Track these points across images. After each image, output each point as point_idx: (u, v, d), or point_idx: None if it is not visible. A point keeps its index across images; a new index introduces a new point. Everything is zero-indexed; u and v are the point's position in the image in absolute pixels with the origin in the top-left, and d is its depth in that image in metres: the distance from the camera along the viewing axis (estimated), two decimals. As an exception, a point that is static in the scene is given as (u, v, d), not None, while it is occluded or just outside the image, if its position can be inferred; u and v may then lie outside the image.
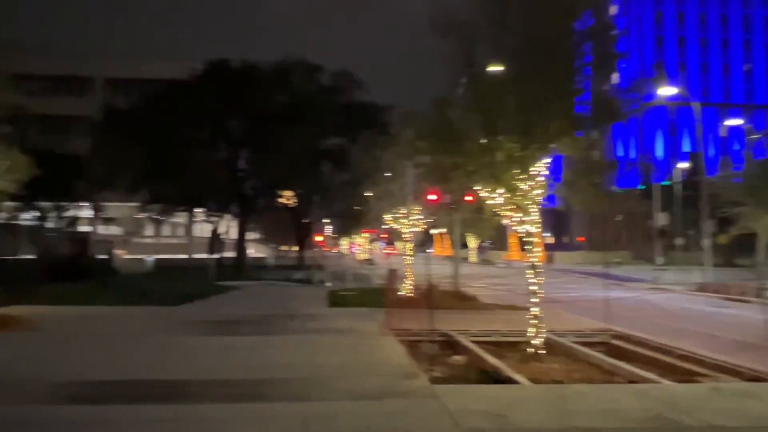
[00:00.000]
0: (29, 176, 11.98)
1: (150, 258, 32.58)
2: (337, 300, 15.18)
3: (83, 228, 40.00)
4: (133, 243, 50.29)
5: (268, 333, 9.41)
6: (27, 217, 37.28)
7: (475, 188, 7.85)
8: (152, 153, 25.49)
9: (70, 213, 39.48)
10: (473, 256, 54.58)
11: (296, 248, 46.20)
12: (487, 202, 7.62)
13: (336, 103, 28.31)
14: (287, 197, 37.45)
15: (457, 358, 7.91)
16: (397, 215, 16.46)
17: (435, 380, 6.41)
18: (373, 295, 15.94)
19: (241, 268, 29.10)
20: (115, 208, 46.63)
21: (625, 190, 40.47)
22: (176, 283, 18.81)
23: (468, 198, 16.64)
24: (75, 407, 4.99)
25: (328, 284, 22.50)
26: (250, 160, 30.31)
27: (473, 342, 8.74)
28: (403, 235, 16.94)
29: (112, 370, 6.38)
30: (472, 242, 54.61)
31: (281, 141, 26.15)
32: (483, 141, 7.35)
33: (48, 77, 52.06)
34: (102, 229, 48.38)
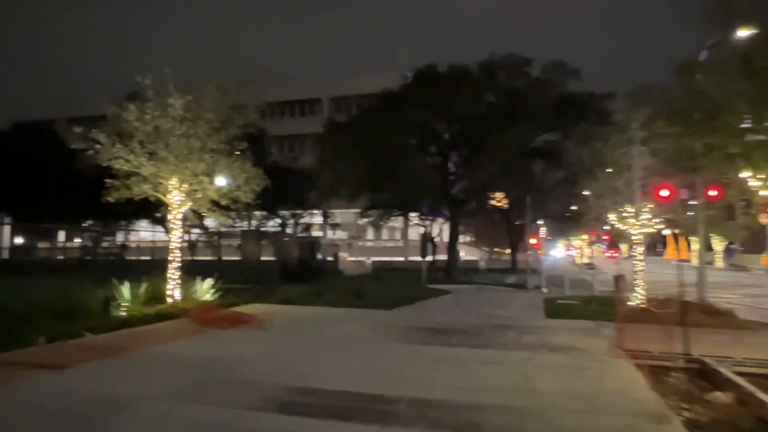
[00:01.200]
0: (261, 187, 13.28)
1: (368, 260, 34.60)
2: (555, 309, 13.80)
3: (314, 233, 44.64)
4: (356, 246, 54.56)
5: (479, 345, 8.70)
6: (271, 225, 43.03)
7: (740, 175, 6.03)
8: (369, 162, 26.91)
9: (304, 220, 44.46)
10: (719, 261, 46.67)
11: (509, 251, 44.89)
12: (761, 192, 5.78)
13: (548, 96, 26.46)
14: (498, 199, 36.50)
15: (719, 396, 6.18)
16: (624, 214, 14.40)
17: (692, 425, 4.98)
18: (597, 305, 14.19)
19: (452, 271, 29.04)
20: (340, 214, 51.05)
21: None
22: (391, 286, 19.33)
23: (712, 192, 13.80)
24: (277, 417, 4.91)
25: (544, 290, 20.96)
26: (460, 163, 30.13)
27: (739, 373, 6.82)
28: (631, 237, 14.78)
29: (320, 377, 6.33)
30: (718, 244, 46.76)
31: (490, 142, 25.38)
32: (751, 114, 5.58)
33: (285, 102, 59.61)
34: (330, 234, 53.46)
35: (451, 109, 26.69)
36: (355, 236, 57.06)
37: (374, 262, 38.06)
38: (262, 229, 41.71)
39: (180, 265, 12.46)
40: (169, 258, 12.51)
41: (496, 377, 6.52)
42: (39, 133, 36.45)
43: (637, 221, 14.15)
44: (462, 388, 5.95)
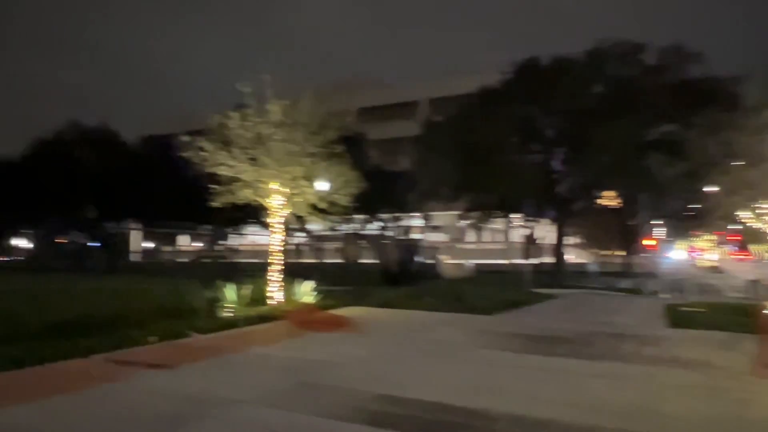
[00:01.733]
0: (359, 190, 13.25)
1: (469, 263, 33.84)
2: (679, 317, 12.38)
3: (414, 235, 44.57)
4: (457, 248, 53.79)
5: (589, 356, 7.88)
6: (372, 228, 43.61)
7: None
8: (467, 162, 26.28)
9: (404, 222, 44.59)
10: None
11: (622, 253, 42.04)
12: None
13: (664, 83, 24.23)
14: (609, 197, 34.13)
15: None
16: (761, 211, 12.68)
17: None
18: (729, 313, 12.57)
19: (558, 274, 27.52)
20: (440, 216, 50.64)
21: None
22: (492, 289, 18.56)
23: None
24: (365, 429, 4.58)
25: (664, 296, 19.12)
26: (565, 160, 28.48)
27: None
28: (769, 237, 12.98)
29: (414, 386, 5.95)
30: None
31: (599, 136, 23.71)
32: None
33: (384, 106, 60.28)
34: (430, 236, 53.15)
35: (554, 104, 25.32)
36: (456, 238, 56.32)
37: (475, 264, 37.13)
38: (363, 232, 42.38)
39: (281, 267, 12.71)
40: (270, 260, 12.83)
41: (613, 395, 5.77)
42: (163, 146, 39.71)
43: (779, 218, 12.42)
44: (572, 406, 5.30)
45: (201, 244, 49.13)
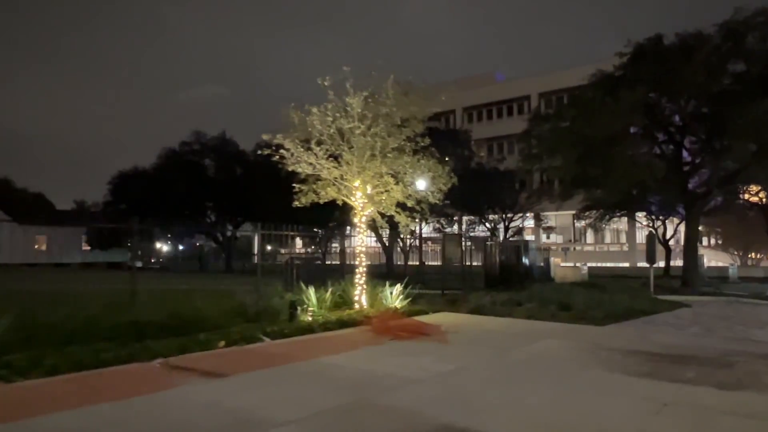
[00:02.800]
0: (448, 186, 12.22)
1: (584, 266, 31.16)
2: None
3: (527, 237, 42.24)
4: (572, 251, 50.36)
5: (730, 385, 6.20)
6: (480, 229, 42.05)
7: None
8: (582, 156, 24.05)
9: (515, 224, 42.47)
10: None
11: (771, 256, 36.70)
12: None
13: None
14: (753, 191, 29.81)
15: None
16: None
17: None
18: None
19: (691, 279, 24.23)
20: (553, 216, 47.74)
21: None
22: (609, 296, 16.48)
23: None
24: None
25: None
26: (697, 150, 25.06)
27: None
28: None
29: (491, 416, 4.83)
30: None
31: (738, 120, 20.45)
32: None
33: (493, 103, 58.23)
34: (543, 238, 50.30)
35: (682, 86, 22.27)
36: (572, 240, 52.85)
37: (595, 268, 34.17)
38: (471, 234, 40.88)
39: (364, 270, 12.03)
40: (358, 262, 12.20)
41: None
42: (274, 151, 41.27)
43: None
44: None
45: (312, 247, 50.53)
